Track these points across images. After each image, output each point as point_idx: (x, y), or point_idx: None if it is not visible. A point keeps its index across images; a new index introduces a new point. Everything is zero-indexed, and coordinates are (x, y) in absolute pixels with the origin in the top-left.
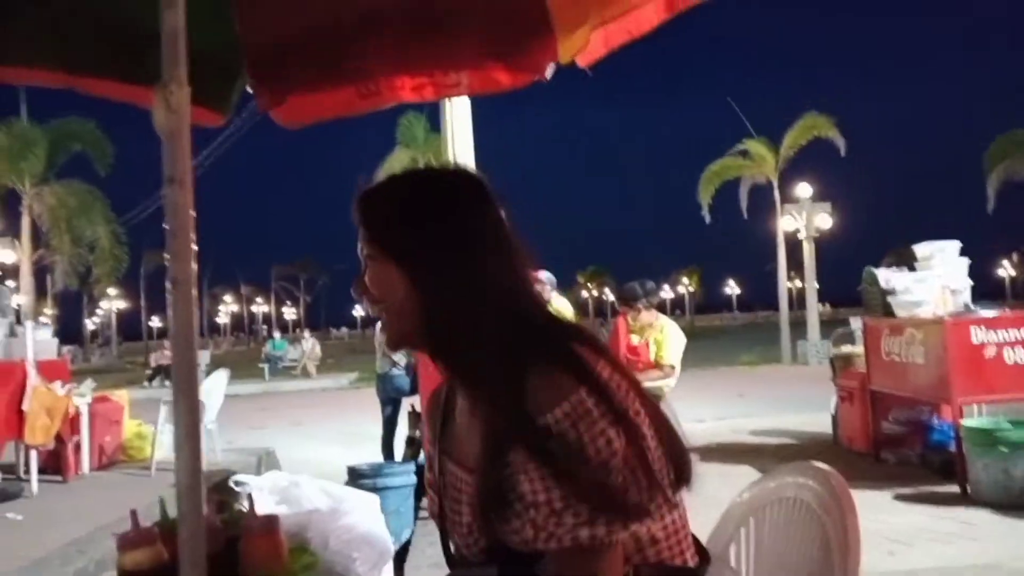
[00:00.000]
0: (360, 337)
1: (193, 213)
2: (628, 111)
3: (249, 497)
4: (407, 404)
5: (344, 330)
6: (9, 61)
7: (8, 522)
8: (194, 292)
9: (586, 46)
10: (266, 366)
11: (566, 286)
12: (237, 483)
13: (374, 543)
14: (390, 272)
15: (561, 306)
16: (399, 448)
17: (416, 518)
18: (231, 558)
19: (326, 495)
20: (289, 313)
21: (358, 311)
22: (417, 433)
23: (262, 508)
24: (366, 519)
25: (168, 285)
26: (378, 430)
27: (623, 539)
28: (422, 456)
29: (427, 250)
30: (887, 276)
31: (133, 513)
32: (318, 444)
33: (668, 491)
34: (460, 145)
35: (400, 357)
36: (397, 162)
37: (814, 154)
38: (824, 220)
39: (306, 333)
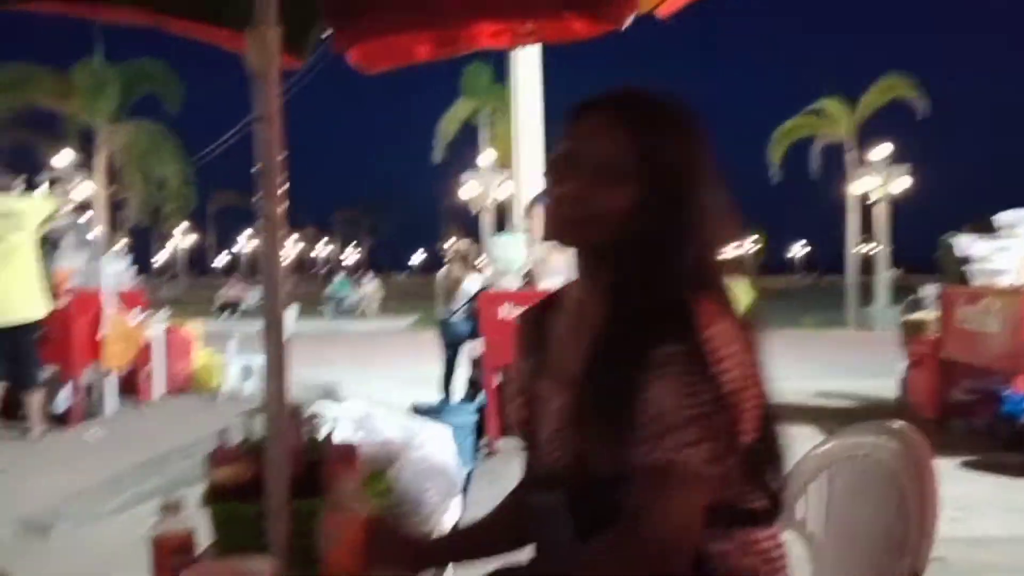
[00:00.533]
0: (419, 281)
1: (283, 151)
2: (699, 66)
3: (329, 425)
4: (467, 348)
5: (403, 274)
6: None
7: (88, 439)
8: (283, 230)
9: None
10: (329, 306)
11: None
12: (316, 412)
13: (446, 474)
14: (628, 186)
15: None
16: (458, 388)
17: (475, 455)
18: (311, 481)
19: (400, 426)
20: (351, 256)
21: (418, 256)
22: (477, 377)
23: (341, 435)
24: (438, 450)
25: (258, 223)
26: (435, 372)
27: (715, 472)
28: (481, 396)
29: (678, 173)
30: (967, 243)
31: (223, 433)
32: (379, 383)
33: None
34: (526, 96)
35: (459, 302)
36: (460, 111)
37: (892, 116)
38: (900, 183)
39: (369, 275)
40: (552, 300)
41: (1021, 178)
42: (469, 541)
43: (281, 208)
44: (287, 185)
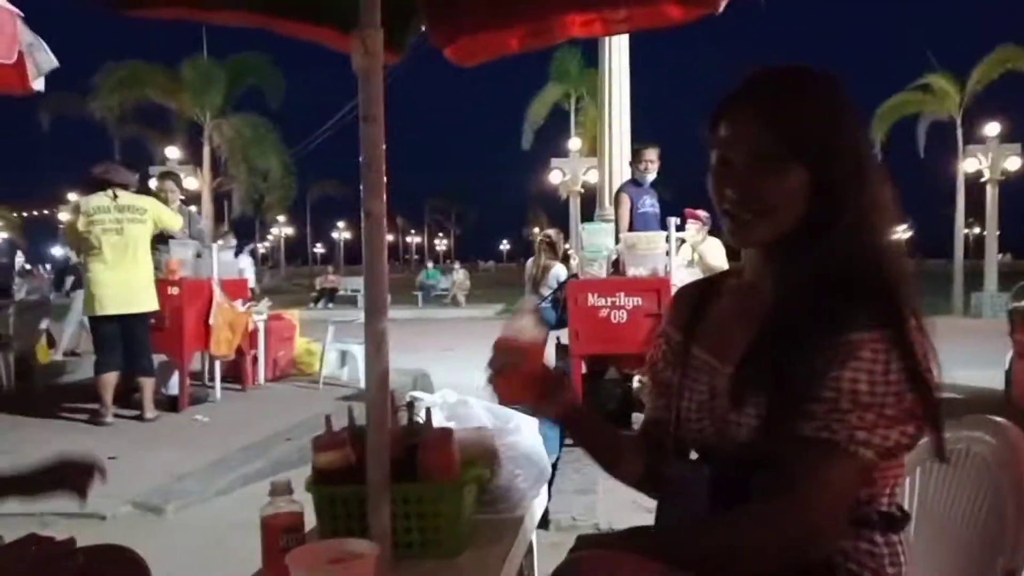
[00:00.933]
0: (506, 269)
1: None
2: (798, 44)
3: (427, 411)
4: (553, 337)
5: (491, 262)
6: (219, 4)
7: (196, 423)
8: (384, 225)
9: None
10: (419, 294)
11: (720, 228)
12: (414, 398)
13: (535, 461)
14: (795, 176)
15: (714, 247)
16: None
17: (562, 445)
18: (411, 464)
19: (491, 414)
20: (440, 244)
21: (504, 245)
22: (563, 365)
23: (437, 421)
24: (527, 439)
25: (362, 216)
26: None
27: (879, 464)
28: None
29: (847, 160)
30: None
31: (327, 418)
32: (468, 369)
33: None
34: (616, 81)
35: (547, 291)
36: (550, 96)
37: (1007, 91)
38: (1013, 163)
39: (456, 264)
40: (711, 283)
41: None
42: (603, 435)
43: (383, 204)
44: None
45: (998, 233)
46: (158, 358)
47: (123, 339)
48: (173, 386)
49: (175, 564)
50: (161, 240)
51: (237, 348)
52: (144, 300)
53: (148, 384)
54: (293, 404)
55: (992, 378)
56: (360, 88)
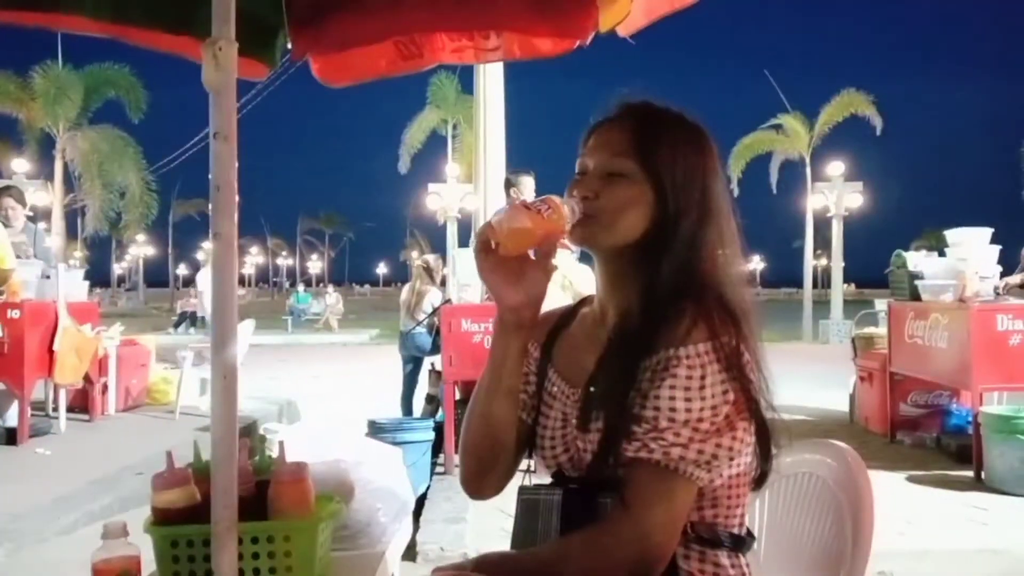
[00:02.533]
0: (383, 294)
1: (236, 168)
2: (659, 82)
3: (280, 444)
4: (428, 363)
5: (367, 287)
6: (58, 8)
7: (37, 457)
8: (235, 247)
9: (627, 16)
10: (289, 318)
11: (587, 257)
12: (267, 430)
13: (396, 494)
14: (642, 196)
15: (582, 273)
16: (417, 406)
17: (432, 473)
18: (260, 501)
19: (351, 446)
20: (313, 267)
21: (381, 268)
22: (437, 391)
23: (291, 455)
24: (389, 471)
25: (211, 238)
26: (396, 387)
27: (703, 478)
28: (440, 413)
29: (694, 191)
30: (916, 259)
31: (168, 454)
32: (337, 397)
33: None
34: (492, 109)
35: (422, 316)
36: (427, 122)
37: (849, 132)
38: (854, 199)
39: (330, 288)
40: (570, 311)
41: (970, 197)
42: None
43: (234, 227)
44: (238, 201)
45: (843, 265)
46: None
47: None
48: (11, 417)
49: None
50: None
51: (85, 376)
52: None
53: None
54: (146, 436)
55: (838, 400)
56: (212, 104)
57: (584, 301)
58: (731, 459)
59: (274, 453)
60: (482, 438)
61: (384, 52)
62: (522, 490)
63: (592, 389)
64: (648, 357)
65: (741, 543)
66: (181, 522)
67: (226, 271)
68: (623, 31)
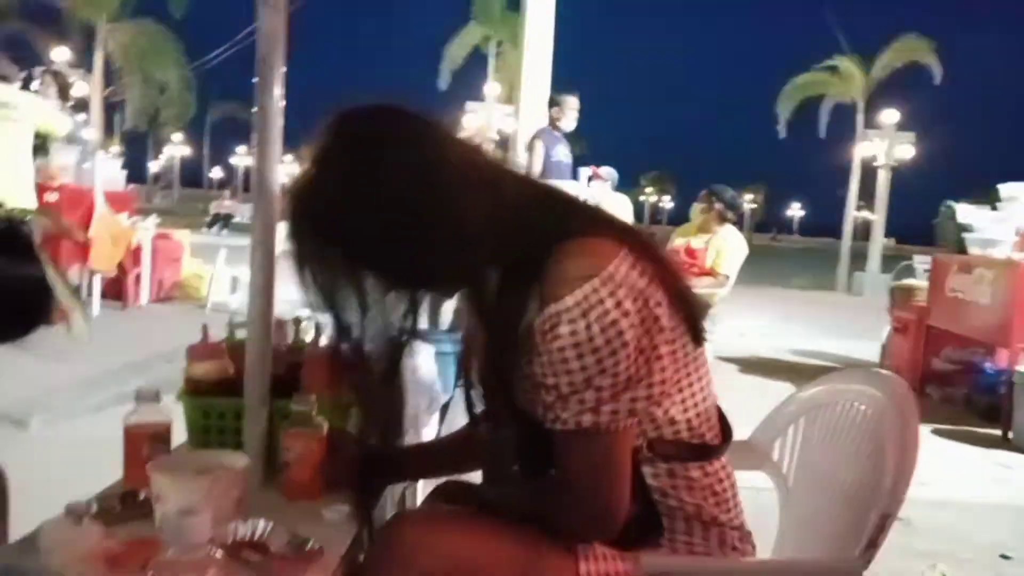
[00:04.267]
0: None
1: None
2: (712, 19)
3: (316, 327)
4: None
5: None
6: None
7: (70, 341)
8: (279, 123)
9: None
10: None
11: (627, 187)
12: (302, 317)
13: (428, 387)
14: (331, 266)
15: (618, 202)
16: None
17: (456, 384)
18: (292, 381)
19: None
20: None
21: None
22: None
23: (325, 341)
24: (421, 365)
25: (255, 111)
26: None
27: (630, 424)
28: None
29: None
30: (966, 211)
31: (204, 327)
32: None
33: (688, 364)
34: (538, 27)
35: None
36: (469, 37)
37: (906, 80)
38: (906, 151)
39: None
40: None
41: None
42: (431, 457)
43: (278, 124)
44: (284, 102)
45: (885, 217)
46: None
47: None
48: None
49: (34, 478)
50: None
51: (119, 264)
52: (16, 200)
53: None
54: (177, 326)
55: (866, 350)
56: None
57: None
58: (652, 399)
59: (308, 338)
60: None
61: None
62: (476, 424)
63: (497, 357)
64: (519, 325)
65: (708, 451)
66: (214, 394)
67: (269, 147)
68: None
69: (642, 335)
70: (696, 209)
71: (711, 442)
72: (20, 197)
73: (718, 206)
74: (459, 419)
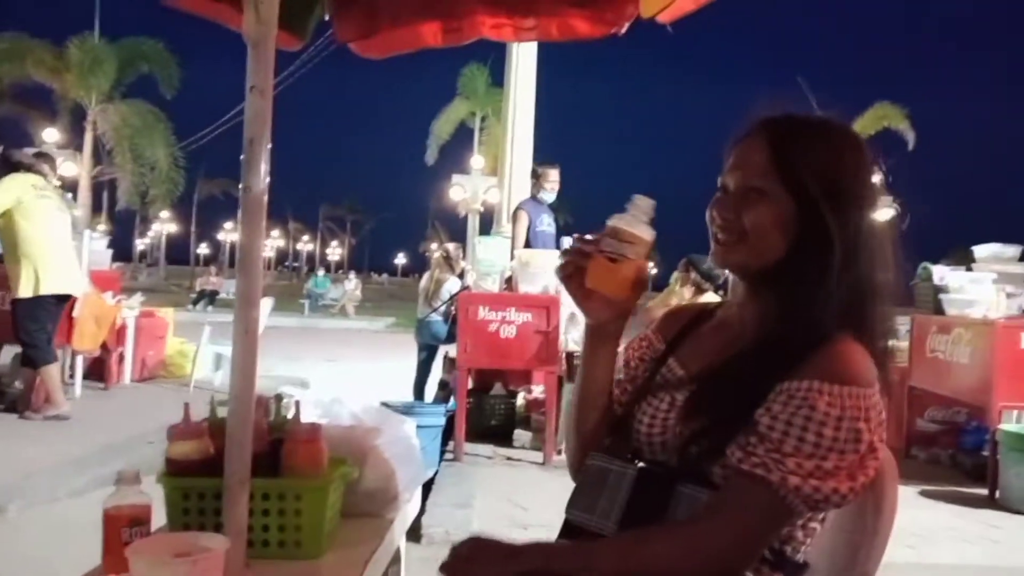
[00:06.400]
0: (400, 284)
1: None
2: (690, 87)
3: (296, 404)
4: (443, 351)
5: (385, 276)
6: None
7: (52, 421)
8: (264, 202)
9: (673, 2)
10: (306, 302)
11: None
12: (283, 394)
13: (410, 463)
14: (785, 212)
15: None
16: (429, 394)
17: (441, 459)
18: (273, 459)
19: (367, 414)
20: (333, 254)
21: (400, 259)
22: (450, 378)
23: (306, 418)
24: (403, 440)
25: (240, 192)
26: (409, 374)
27: (798, 508)
28: (452, 401)
29: (838, 195)
30: (942, 273)
31: (186, 406)
32: (351, 381)
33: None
34: (521, 102)
35: (440, 304)
36: (455, 113)
37: (881, 145)
38: (884, 214)
39: (351, 274)
40: (707, 308)
41: (1001, 216)
42: (606, 371)
43: (263, 202)
44: (269, 166)
45: None
46: (13, 349)
47: None
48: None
49: (12, 565)
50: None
51: (103, 344)
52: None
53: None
54: (160, 406)
55: None
56: (249, 56)
57: (723, 304)
58: (837, 506)
59: (290, 414)
60: (580, 424)
61: (427, 27)
62: (593, 456)
63: (709, 384)
64: (788, 380)
65: (796, 569)
66: (194, 474)
67: (253, 225)
68: (666, 17)
69: (866, 457)
70: (675, 278)
71: (800, 562)
72: (80, 284)
73: (694, 276)
74: (445, 494)
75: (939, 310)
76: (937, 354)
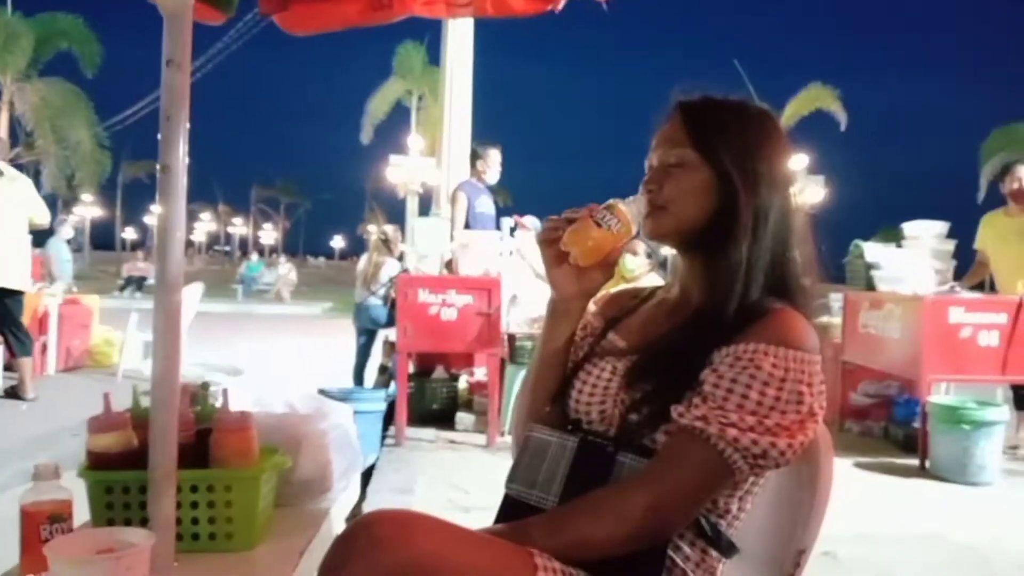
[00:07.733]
0: (337, 267)
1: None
2: (626, 65)
3: (224, 393)
4: (382, 335)
5: (321, 259)
6: None
7: None
8: (183, 181)
9: None
10: (239, 287)
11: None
12: (210, 382)
13: (346, 451)
14: (702, 180)
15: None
16: (369, 379)
17: (382, 444)
18: (201, 450)
19: (301, 401)
20: (267, 237)
21: (338, 241)
22: (390, 363)
23: (236, 406)
24: (339, 427)
25: (158, 171)
26: (347, 360)
27: (739, 466)
28: (393, 386)
29: (753, 159)
30: (873, 250)
31: (106, 396)
32: (287, 368)
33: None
34: (458, 81)
35: (378, 288)
36: (391, 92)
37: (813, 127)
38: (817, 193)
39: (283, 258)
40: (647, 292)
41: (930, 194)
42: (562, 351)
43: (183, 182)
44: (189, 159)
45: None
46: None
47: None
48: None
49: None
50: None
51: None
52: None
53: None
54: (85, 397)
55: None
56: (165, 29)
57: (662, 287)
58: (776, 465)
59: (218, 403)
60: (533, 403)
61: (353, 2)
62: (533, 428)
63: (650, 351)
64: (734, 344)
65: (732, 550)
66: (117, 467)
67: (172, 206)
68: None
69: (806, 419)
70: (624, 258)
71: (731, 539)
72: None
73: (641, 249)
74: (386, 480)
75: (871, 286)
76: (869, 329)
